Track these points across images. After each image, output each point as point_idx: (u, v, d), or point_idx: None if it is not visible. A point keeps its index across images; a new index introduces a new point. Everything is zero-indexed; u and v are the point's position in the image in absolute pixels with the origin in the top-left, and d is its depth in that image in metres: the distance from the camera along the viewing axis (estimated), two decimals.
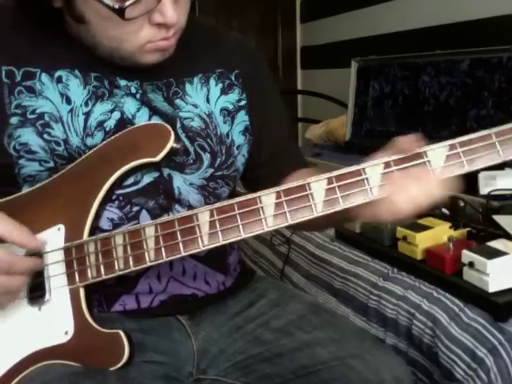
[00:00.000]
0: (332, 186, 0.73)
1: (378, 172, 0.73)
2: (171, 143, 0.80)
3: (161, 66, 0.86)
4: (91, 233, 0.80)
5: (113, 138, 0.83)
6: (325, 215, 0.74)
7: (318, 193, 0.73)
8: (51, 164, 0.82)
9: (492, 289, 1.02)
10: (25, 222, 0.78)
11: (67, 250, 0.79)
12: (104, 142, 0.83)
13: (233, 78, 0.94)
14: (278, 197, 0.74)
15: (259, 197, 0.74)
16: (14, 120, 0.82)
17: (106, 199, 0.82)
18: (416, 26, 2.27)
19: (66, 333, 0.78)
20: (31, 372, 0.77)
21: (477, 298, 1.03)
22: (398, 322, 1.15)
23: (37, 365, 0.78)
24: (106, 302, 0.87)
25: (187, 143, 0.88)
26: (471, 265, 1.04)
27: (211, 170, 0.90)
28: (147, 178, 0.86)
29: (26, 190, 0.83)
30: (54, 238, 0.81)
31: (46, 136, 0.82)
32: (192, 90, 0.90)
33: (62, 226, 0.81)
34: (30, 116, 0.82)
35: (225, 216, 0.74)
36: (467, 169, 0.72)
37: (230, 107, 0.93)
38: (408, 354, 1.13)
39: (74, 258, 0.79)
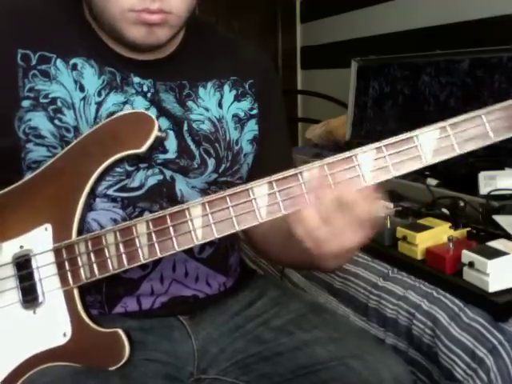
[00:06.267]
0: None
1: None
2: (156, 132, 0.76)
3: (176, 68, 0.86)
4: (79, 231, 0.78)
5: (93, 129, 0.80)
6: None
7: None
8: (59, 150, 0.81)
9: (492, 289, 1.02)
10: (10, 222, 0.77)
11: (57, 251, 0.77)
12: (84, 135, 0.80)
13: (246, 87, 0.94)
14: (271, 187, 0.72)
15: (251, 188, 0.72)
16: (25, 103, 0.81)
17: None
18: (416, 26, 2.27)
19: (64, 334, 0.77)
20: (31, 375, 0.77)
21: (477, 297, 1.03)
22: (398, 322, 1.15)
23: (36, 368, 0.77)
24: (107, 304, 0.87)
25: (193, 147, 0.88)
26: (471, 265, 1.04)
27: (215, 176, 0.90)
28: (151, 180, 0.85)
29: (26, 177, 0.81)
30: (41, 238, 0.78)
31: (56, 121, 0.81)
32: (205, 94, 0.90)
33: (48, 226, 0.78)
34: (42, 100, 0.81)
35: (217, 209, 0.73)
36: (458, 152, 0.70)
37: (242, 114, 0.93)
38: (408, 354, 1.13)
39: (65, 258, 0.77)
